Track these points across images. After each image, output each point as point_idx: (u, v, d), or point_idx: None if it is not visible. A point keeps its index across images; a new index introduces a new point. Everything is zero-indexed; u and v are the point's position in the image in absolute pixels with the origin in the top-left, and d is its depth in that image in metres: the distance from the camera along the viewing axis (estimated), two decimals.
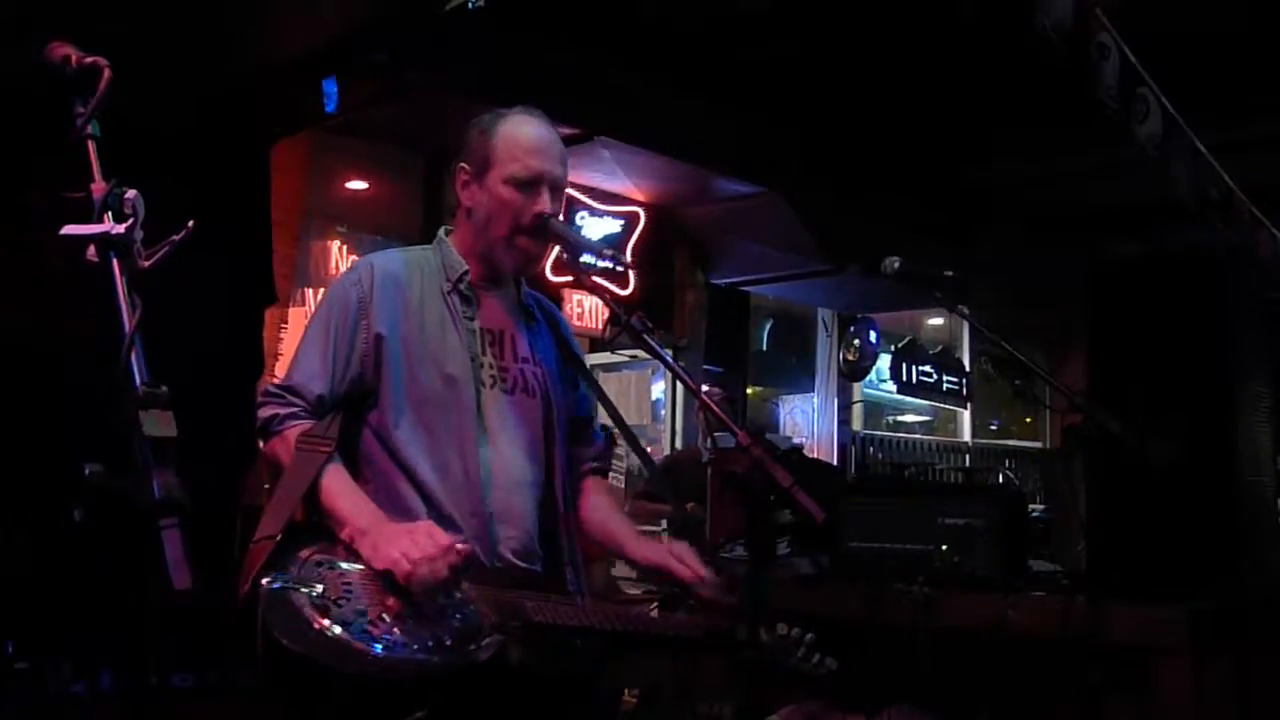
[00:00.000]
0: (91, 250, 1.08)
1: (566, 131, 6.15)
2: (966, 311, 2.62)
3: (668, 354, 1.91)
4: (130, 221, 1.11)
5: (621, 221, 7.51)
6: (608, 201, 7.49)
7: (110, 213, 1.11)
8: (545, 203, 2.16)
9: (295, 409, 2.12)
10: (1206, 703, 3.15)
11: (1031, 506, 5.04)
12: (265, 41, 4.08)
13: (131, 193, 1.12)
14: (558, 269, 6.63)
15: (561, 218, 2.24)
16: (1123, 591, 3.24)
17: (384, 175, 6.78)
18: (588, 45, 5.47)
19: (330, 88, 4.61)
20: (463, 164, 2.23)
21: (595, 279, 2.28)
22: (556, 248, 2.29)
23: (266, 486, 4.45)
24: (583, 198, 7.21)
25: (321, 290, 6.45)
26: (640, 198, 7.65)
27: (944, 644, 3.50)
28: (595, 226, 7.28)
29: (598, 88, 5.77)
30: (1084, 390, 2.44)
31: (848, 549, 3.95)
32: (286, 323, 6.38)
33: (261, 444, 2.17)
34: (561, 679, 2.07)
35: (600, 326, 7.31)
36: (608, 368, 8.14)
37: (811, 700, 4.18)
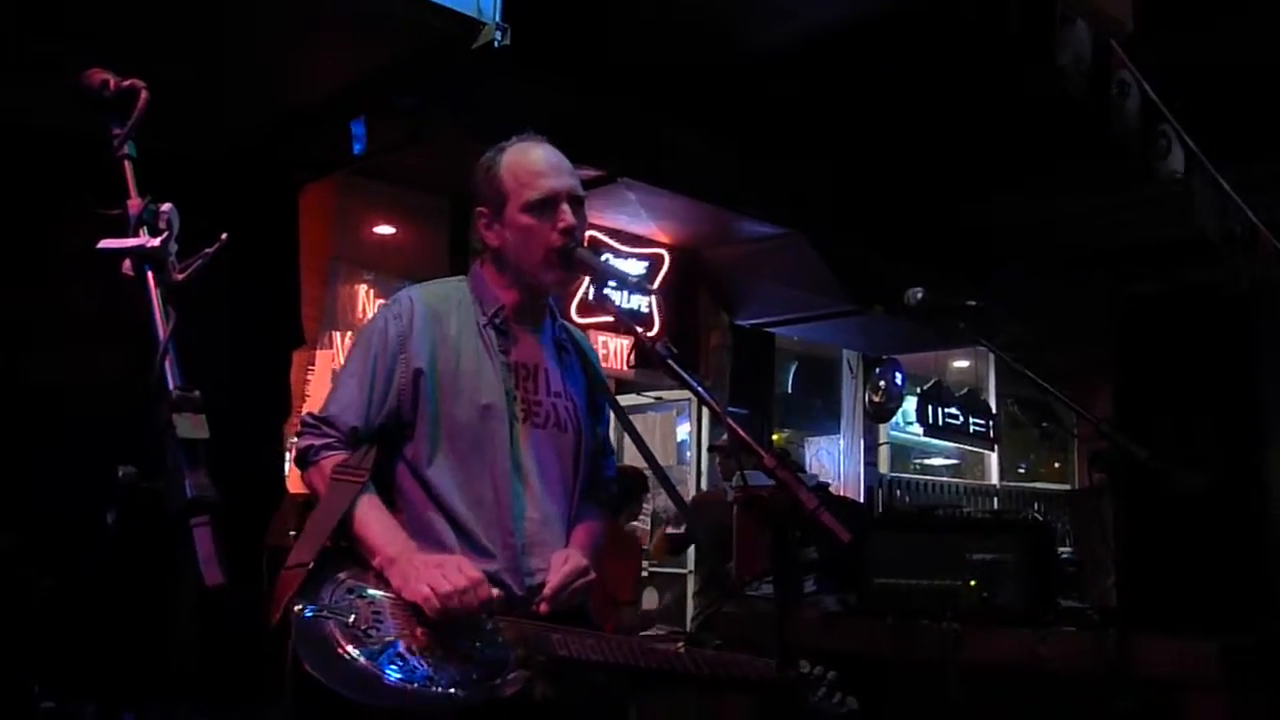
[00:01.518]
0: (127, 264, 1.11)
1: (591, 173, 6.24)
2: (990, 343, 2.62)
3: (693, 380, 1.92)
4: (165, 235, 1.14)
5: (646, 263, 7.55)
6: (632, 244, 7.54)
7: (145, 228, 1.14)
8: (568, 216, 2.18)
9: (330, 439, 2.14)
10: None
11: (1060, 550, 5.00)
12: (293, 80, 4.15)
13: (167, 207, 1.15)
14: (583, 310, 6.68)
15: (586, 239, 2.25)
16: (1154, 626, 3.21)
17: (410, 220, 6.86)
18: (612, 88, 5.54)
19: (359, 129, 4.68)
20: (480, 208, 2.25)
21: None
22: (581, 289, 2.32)
23: (292, 533, 4.47)
24: (607, 240, 7.26)
25: (350, 334, 6.52)
26: (664, 239, 7.69)
27: (973, 680, 3.47)
28: (620, 267, 7.32)
29: (622, 130, 5.83)
30: (1109, 419, 2.43)
31: (875, 585, 3.93)
32: (314, 365, 6.44)
33: (300, 473, 2.19)
34: (585, 714, 2.07)
35: (625, 367, 7.33)
36: (632, 410, 8.15)
37: None
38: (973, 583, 3.73)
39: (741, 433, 1.76)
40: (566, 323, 2.39)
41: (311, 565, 1.95)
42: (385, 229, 6.91)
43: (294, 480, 5.91)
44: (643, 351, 2.10)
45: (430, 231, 6.87)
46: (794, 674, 2.10)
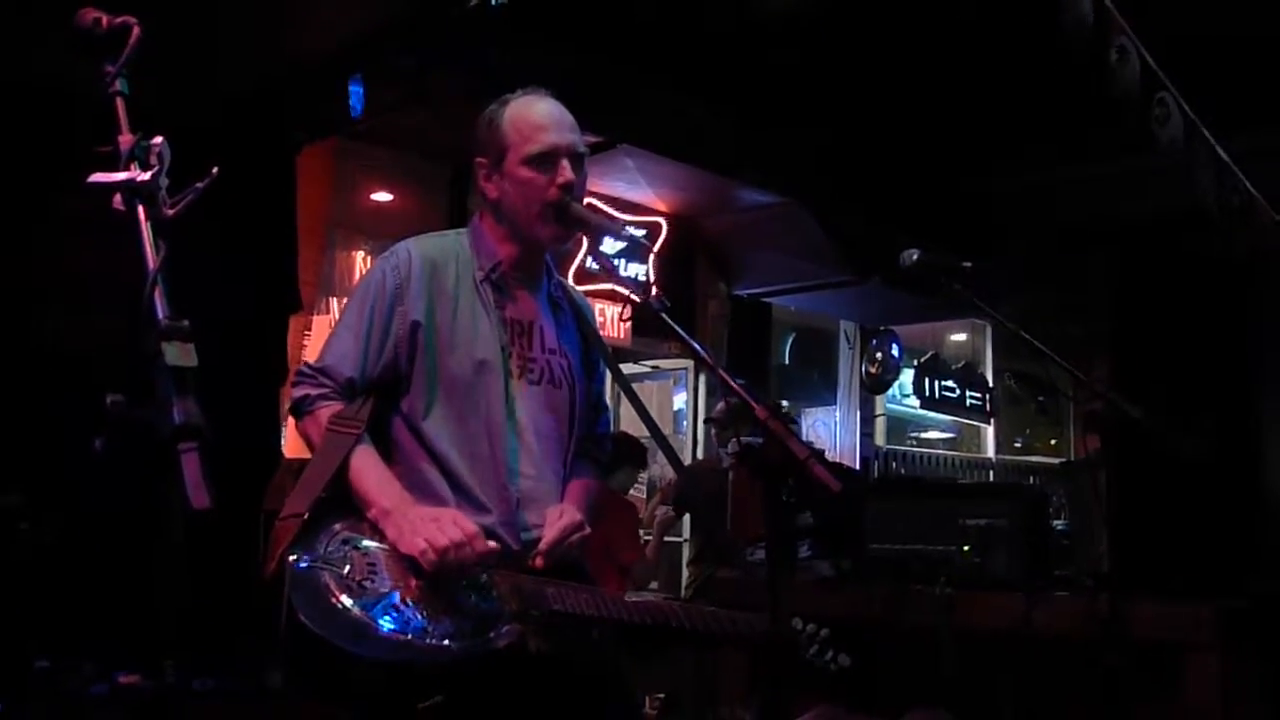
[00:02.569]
0: (118, 198, 1.11)
1: (590, 139, 6.19)
2: (985, 305, 2.61)
3: (687, 334, 1.92)
4: (155, 170, 1.13)
5: (644, 232, 7.53)
6: (630, 212, 7.51)
7: (136, 163, 1.14)
8: (567, 172, 2.17)
9: (326, 389, 2.14)
10: (1234, 700, 3.13)
11: (1055, 523, 5.03)
12: (290, 40, 4.12)
13: (157, 140, 1.15)
14: (580, 278, 6.67)
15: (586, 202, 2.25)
16: (1148, 590, 3.23)
17: (409, 186, 6.84)
18: (611, 54, 5.50)
19: (356, 90, 4.65)
20: (479, 159, 2.24)
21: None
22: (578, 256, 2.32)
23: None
24: (605, 208, 7.22)
25: (346, 300, 6.50)
26: (662, 208, 7.67)
27: (967, 645, 3.49)
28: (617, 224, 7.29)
29: (621, 96, 5.80)
30: (1104, 378, 2.43)
31: (869, 551, 3.95)
32: (310, 331, 6.43)
33: (295, 422, 2.19)
34: (579, 667, 2.07)
35: (622, 335, 7.32)
36: (629, 379, 8.16)
37: (833, 704, 4.17)
38: (966, 548, 3.75)
39: (733, 384, 1.76)
40: (563, 280, 2.39)
41: (306, 516, 1.95)
42: (383, 195, 6.89)
43: (290, 445, 5.92)
44: (637, 309, 2.10)
45: (429, 198, 6.85)
46: (786, 630, 2.11)
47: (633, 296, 2.09)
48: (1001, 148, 6.79)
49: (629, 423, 6.51)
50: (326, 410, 2.12)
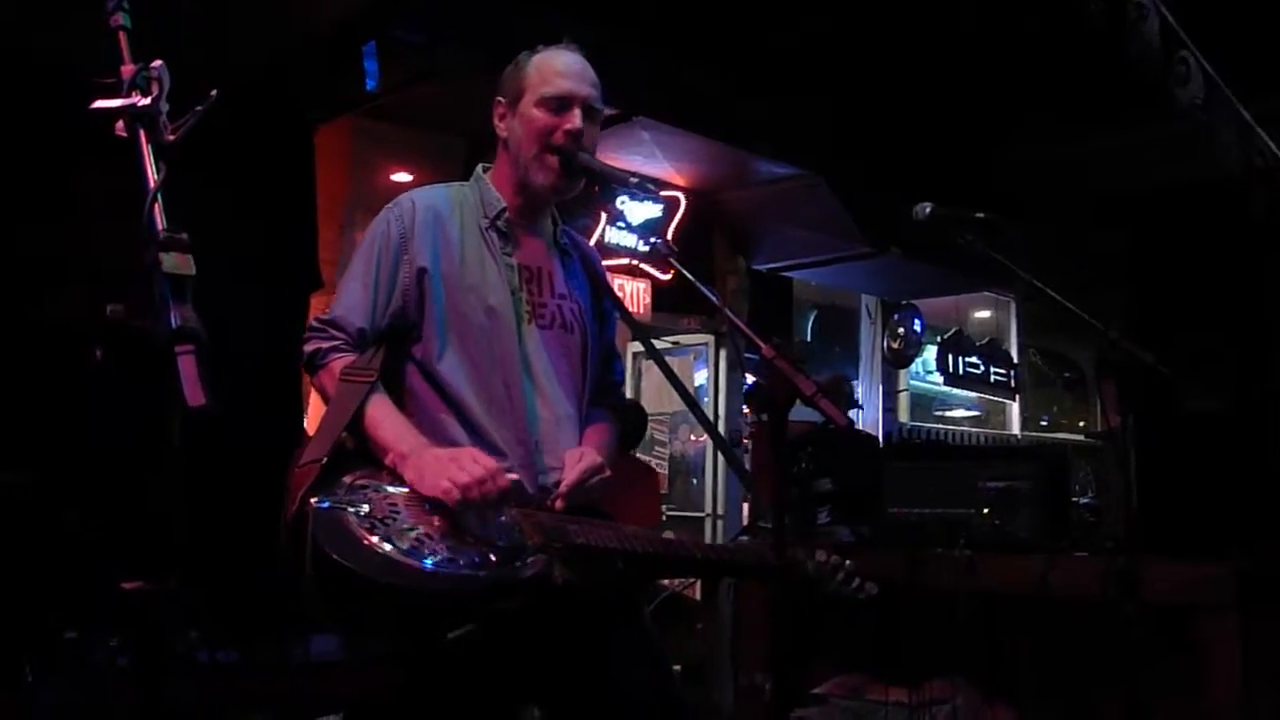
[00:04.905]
0: (120, 124, 1.12)
1: (606, 112, 6.20)
2: (999, 255, 2.60)
3: (695, 278, 1.92)
4: (155, 95, 1.15)
5: (662, 206, 7.52)
6: (655, 190, 7.49)
7: (138, 90, 1.15)
8: (576, 119, 2.18)
9: (338, 341, 2.16)
10: (1253, 662, 3.11)
11: (1081, 499, 5.00)
12: (298, 16, 4.13)
13: (157, 64, 1.17)
14: (601, 253, 6.65)
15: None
16: (1167, 552, 3.20)
17: (426, 163, 6.85)
18: (625, 26, 5.49)
19: (370, 65, 4.66)
20: (499, 99, 2.27)
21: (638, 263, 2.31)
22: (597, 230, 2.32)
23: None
24: (634, 188, 7.22)
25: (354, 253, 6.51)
26: (680, 182, 7.65)
27: (986, 608, 3.48)
28: (636, 210, 7.30)
29: (636, 68, 5.79)
30: (1115, 323, 2.41)
31: (888, 515, 3.95)
32: None
33: (309, 378, 2.21)
34: (604, 599, 2.08)
35: (640, 310, 7.32)
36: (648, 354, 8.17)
37: (855, 673, 4.17)
38: (985, 511, 3.74)
39: (739, 322, 1.76)
40: (571, 229, 2.40)
41: (325, 460, 1.97)
42: (403, 175, 6.90)
43: (312, 423, 5.94)
44: (648, 259, 2.10)
45: (445, 173, 6.85)
46: (810, 563, 2.12)
47: (642, 245, 2.09)
48: (1018, 116, 6.75)
49: (652, 394, 6.55)
50: (339, 362, 2.13)
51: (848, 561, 2.16)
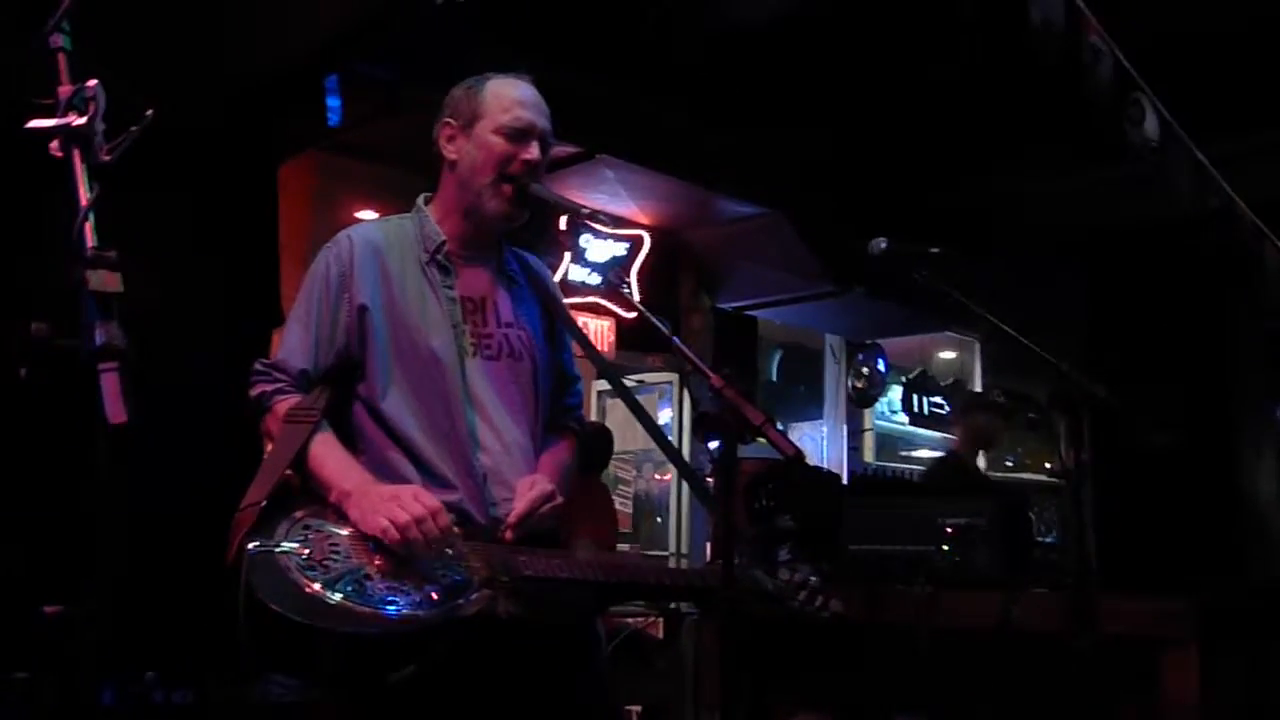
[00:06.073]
0: (55, 145, 1.11)
1: (568, 150, 6.23)
2: (952, 290, 2.61)
3: (641, 307, 1.92)
4: (91, 114, 1.14)
5: (626, 245, 7.53)
6: (612, 225, 7.51)
7: (74, 111, 1.14)
8: (534, 151, 2.20)
9: (281, 384, 2.16)
10: (1213, 697, 3.12)
11: (1045, 539, 5.02)
12: (261, 45, 4.13)
13: (92, 83, 1.16)
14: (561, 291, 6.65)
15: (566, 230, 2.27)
16: (1127, 586, 3.22)
17: (389, 199, 6.83)
18: (587, 63, 5.52)
19: (333, 101, 4.67)
20: (447, 119, 2.26)
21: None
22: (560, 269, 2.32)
23: None
24: (586, 221, 7.22)
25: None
26: (644, 220, 7.67)
27: (947, 644, 3.47)
28: (600, 249, 7.32)
29: (599, 106, 5.81)
30: (1069, 358, 2.43)
31: (849, 552, 3.94)
32: None
33: (257, 422, 2.19)
34: (553, 632, 2.06)
35: (605, 348, 7.30)
36: (613, 394, 8.16)
37: (815, 711, 4.15)
38: (946, 548, 3.74)
39: (690, 354, 1.76)
40: (520, 252, 2.39)
41: (264, 504, 1.95)
42: (366, 212, 6.89)
43: None
44: (603, 288, 2.11)
45: (409, 210, 6.85)
46: (773, 582, 2.11)
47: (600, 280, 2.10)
48: (977, 158, 6.83)
49: (616, 433, 6.51)
50: (284, 404, 2.14)
51: (813, 579, 2.15)
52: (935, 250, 2.51)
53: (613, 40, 5.48)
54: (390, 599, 1.89)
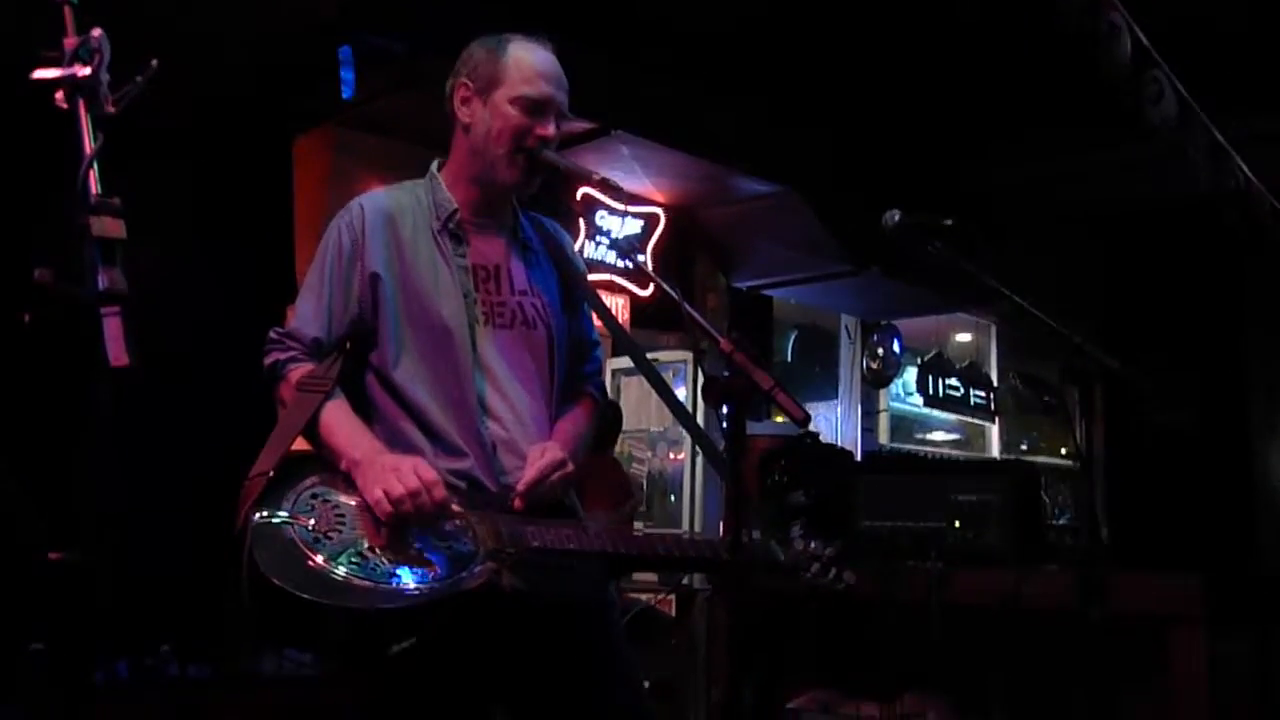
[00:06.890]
0: (59, 95, 1.12)
1: (584, 125, 6.22)
2: (968, 265, 2.60)
3: (651, 274, 1.92)
4: (96, 63, 1.14)
5: (641, 222, 7.52)
6: (628, 202, 7.50)
7: (79, 62, 1.15)
8: (551, 127, 2.18)
9: (294, 352, 2.15)
10: (1221, 673, 3.12)
11: (1059, 520, 5.03)
12: (274, 23, 4.11)
13: (97, 33, 1.16)
14: None
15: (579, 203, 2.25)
16: (1138, 563, 3.22)
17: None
18: (604, 39, 5.50)
19: (347, 74, 4.66)
20: (464, 80, 2.22)
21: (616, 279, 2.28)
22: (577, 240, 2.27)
23: None
24: (602, 197, 7.21)
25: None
26: (660, 198, 7.66)
27: (958, 620, 3.48)
28: (616, 226, 7.31)
29: (615, 82, 5.80)
30: (1081, 331, 2.41)
31: (861, 528, 3.95)
32: None
33: (271, 390, 2.19)
34: (560, 604, 2.05)
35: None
36: (628, 371, 8.14)
37: (827, 688, 4.16)
38: (957, 524, 3.75)
39: (697, 316, 1.76)
40: (537, 216, 2.37)
41: (272, 474, 1.95)
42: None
43: None
44: (617, 249, 2.10)
45: None
46: (759, 548, 2.11)
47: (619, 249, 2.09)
48: (996, 135, 6.80)
49: (630, 412, 6.53)
50: (297, 372, 2.13)
51: (828, 550, 2.15)
52: (949, 222, 2.49)
53: (629, 14, 5.47)
54: (392, 572, 1.89)
